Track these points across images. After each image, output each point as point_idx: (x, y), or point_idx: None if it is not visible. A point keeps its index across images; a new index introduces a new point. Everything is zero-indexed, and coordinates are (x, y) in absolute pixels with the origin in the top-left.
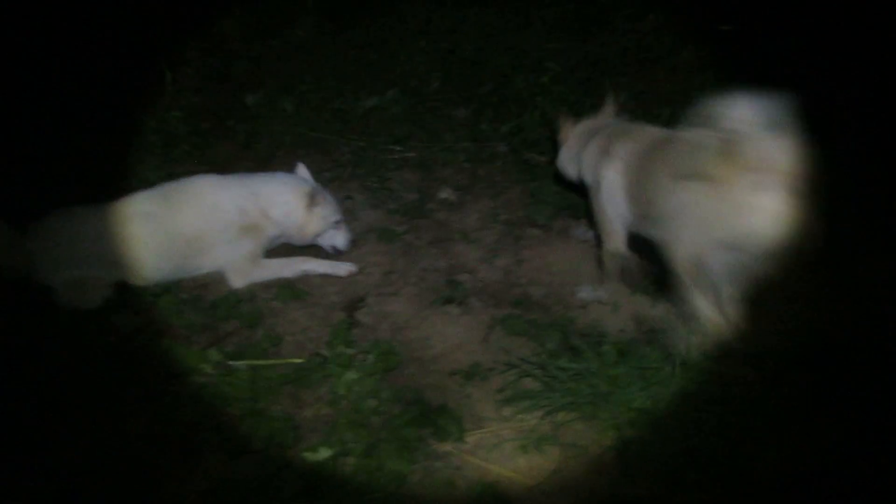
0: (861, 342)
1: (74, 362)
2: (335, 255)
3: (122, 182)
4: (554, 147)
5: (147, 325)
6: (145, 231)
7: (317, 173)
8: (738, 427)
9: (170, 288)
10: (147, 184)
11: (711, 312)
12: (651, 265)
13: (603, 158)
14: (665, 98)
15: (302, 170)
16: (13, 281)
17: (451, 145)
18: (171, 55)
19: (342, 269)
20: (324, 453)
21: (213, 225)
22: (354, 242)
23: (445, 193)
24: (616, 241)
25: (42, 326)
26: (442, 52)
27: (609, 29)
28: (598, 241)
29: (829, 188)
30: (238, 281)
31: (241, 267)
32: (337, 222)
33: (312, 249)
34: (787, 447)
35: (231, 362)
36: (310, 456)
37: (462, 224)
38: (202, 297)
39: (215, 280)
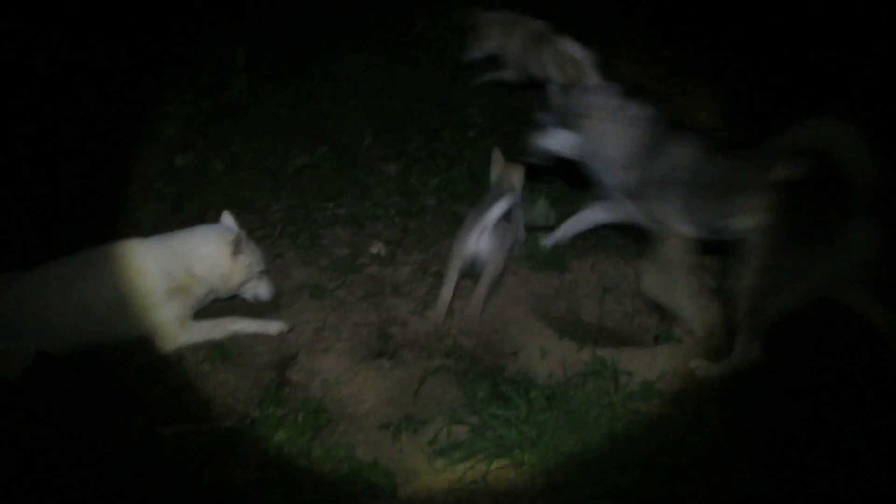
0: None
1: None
2: (258, 305)
3: (44, 249)
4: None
5: (68, 393)
6: (66, 299)
7: (247, 231)
8: (665, 466)
9: (93, 354)
10: (70, 251)
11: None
12: None
13: None
14: None
15: (227, 218)
16: None
17: (381, 200)
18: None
19: (273, 327)
20: None
21: (138, 291)
22: (280, 296)
23: (376, 248)
24: None
25: None
26: (373, 109)
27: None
28: None
29: None
30: (167, 345)
31: (170, 331)
32: (261, 272)
33: (241, 308)
34: (714, 485)
35: (160, 428)
36: None
37: (393, 277)
38: (128, 363)
39: (142, 343)
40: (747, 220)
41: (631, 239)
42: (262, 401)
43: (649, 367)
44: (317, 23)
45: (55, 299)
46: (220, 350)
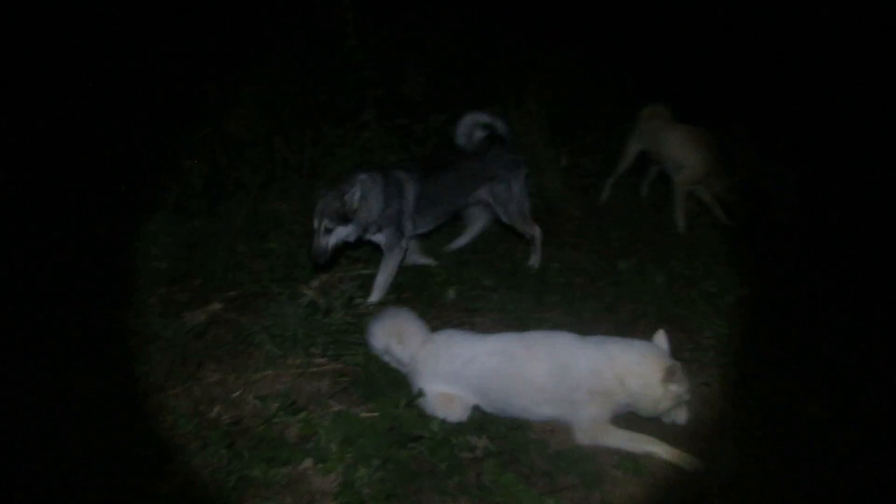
0: None
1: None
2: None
3: None
4: None
5: (497, 452)
6: (502, 368)
7: (676, 351)
8: None
9: (521, 425)
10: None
11: None
12: None
13: None
14: None
15: (660, 337)
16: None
17: None
18: None
19: (687, 462)
20: None
21: (563, 382)
22: (698, 425)
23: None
24: None
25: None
26: None
27: None
28: None
29: None
30: (583, 439)
31: (588, 428)
32: (686, 401)
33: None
34: None
35: None
36: None
37: None
38: (548, 442)
39: (563, 428)
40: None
41: None
42: None
43: None
44: None
45: (495, 366)
46: (634, 461)
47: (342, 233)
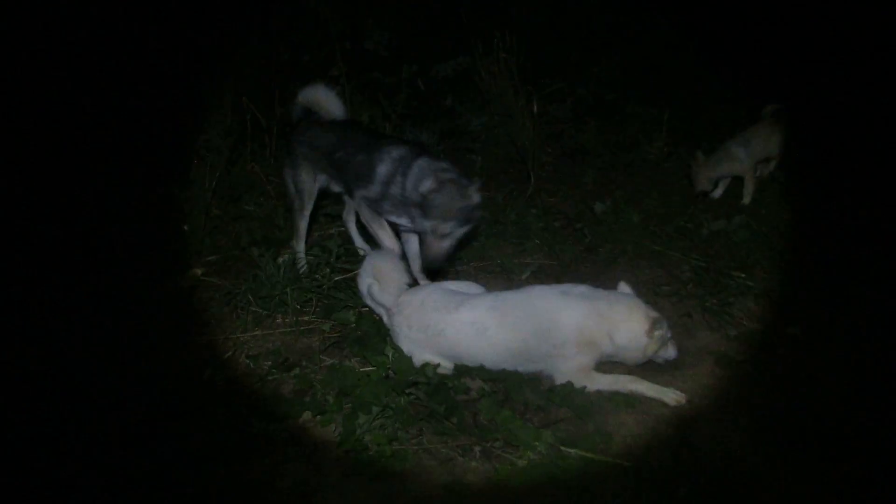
0: None
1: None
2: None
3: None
4: None
5: (492, 392)
6: (474, 342)
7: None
8: None
9: None
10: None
11: None
12: None
13: None
14: None
15: (623, 286)
16: None
17: None
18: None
19: (670, 396)
20: None
21: (548, 341)
22: (682, 355)
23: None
24: None
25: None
26: None
27: None
28: None
29: None
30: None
31: (573, 376)
32: (668, 338)
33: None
34: None
35: (563, 448)
36: None
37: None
38: (539, 380)
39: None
40: None
41: None
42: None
43: None
44: None
45: (485, 320)
46: (624, 396)
47: (459, 233)
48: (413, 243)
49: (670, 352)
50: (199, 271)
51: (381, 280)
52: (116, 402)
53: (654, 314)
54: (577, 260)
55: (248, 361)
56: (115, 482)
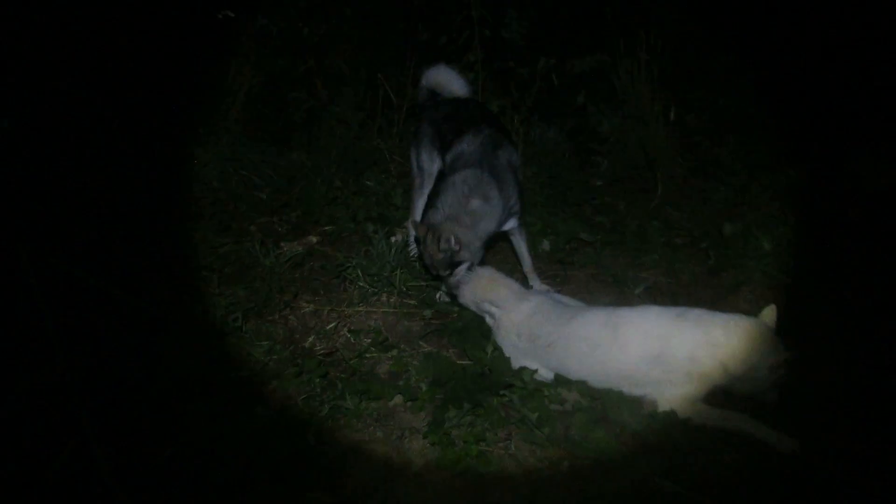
0: None
1: None
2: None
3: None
4: None
5: (588, 408)
6: (585, 357)
7: (781, 320)
8: None
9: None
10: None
11: None
12: None
13: None
14: None
15: (769, 313)
16: None
17: None
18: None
19: (786, 444)
20: None
21: (657, 368)
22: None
23: None
24: None
25: None
26: None
27: None
28: None
29: None
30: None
31: (677, 406)
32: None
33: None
34: None
35: (657, 479)
36: None
37: None
38: (642, 403)
39: None
40: None
41: None
42: None
43: None
44: None
45: (579, 355)
46: (730, 436)
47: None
48: (519, 243)
49: (773, 395)
50: (314, 239)
51: (493, 299)
52: (220, 359)
53: (781, 349)
54: (697, 282)
55: (349, 335)
56: (212, 434)
